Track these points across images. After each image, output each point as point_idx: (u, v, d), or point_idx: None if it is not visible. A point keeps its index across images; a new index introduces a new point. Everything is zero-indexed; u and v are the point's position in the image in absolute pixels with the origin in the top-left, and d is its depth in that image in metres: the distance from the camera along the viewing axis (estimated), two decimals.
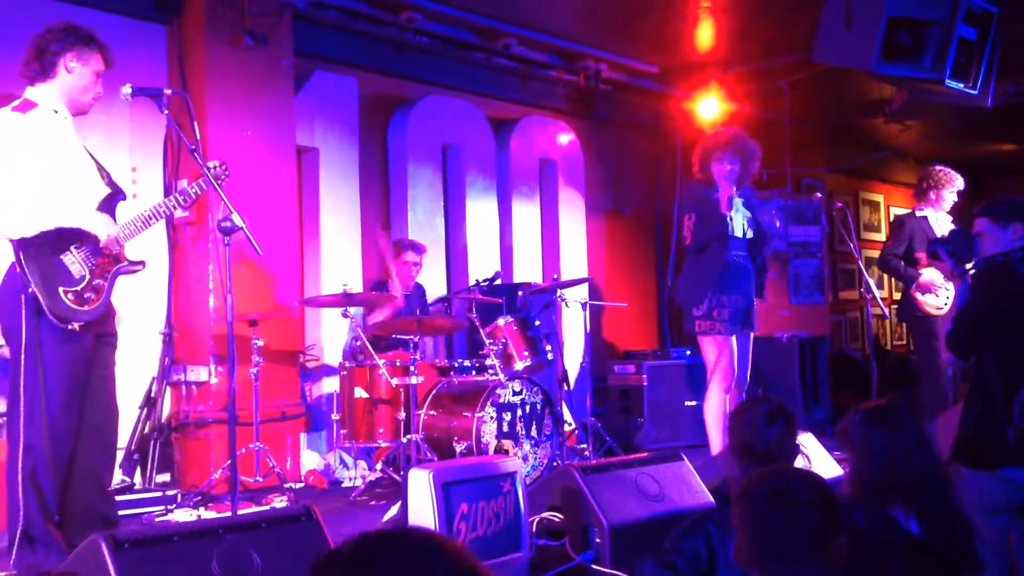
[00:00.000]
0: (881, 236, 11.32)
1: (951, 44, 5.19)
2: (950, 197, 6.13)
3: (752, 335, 5.25)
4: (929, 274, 5.83)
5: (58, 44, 3.48)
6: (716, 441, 5.03)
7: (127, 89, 3.62)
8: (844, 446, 2.58)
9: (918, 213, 6.18)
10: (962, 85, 5.42)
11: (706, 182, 5.12)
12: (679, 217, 8.84)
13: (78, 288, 3.37)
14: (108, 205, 3.63)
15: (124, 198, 3.73)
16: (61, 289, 3.33)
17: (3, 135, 3.37)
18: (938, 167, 6.23)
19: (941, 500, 2.39)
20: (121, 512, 4.56)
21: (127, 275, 3.69)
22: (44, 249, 3.34)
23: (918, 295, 5.92)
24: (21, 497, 3.26)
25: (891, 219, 11.44)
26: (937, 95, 5.65)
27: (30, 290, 3.26)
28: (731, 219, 5.03)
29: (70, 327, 3.32)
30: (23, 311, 3.27)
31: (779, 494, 1.79)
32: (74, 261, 3.41)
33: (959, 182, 6.16)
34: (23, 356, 3.28)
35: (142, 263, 3.70)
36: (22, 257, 3.29)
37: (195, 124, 3.72)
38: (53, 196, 3.41)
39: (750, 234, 5.14)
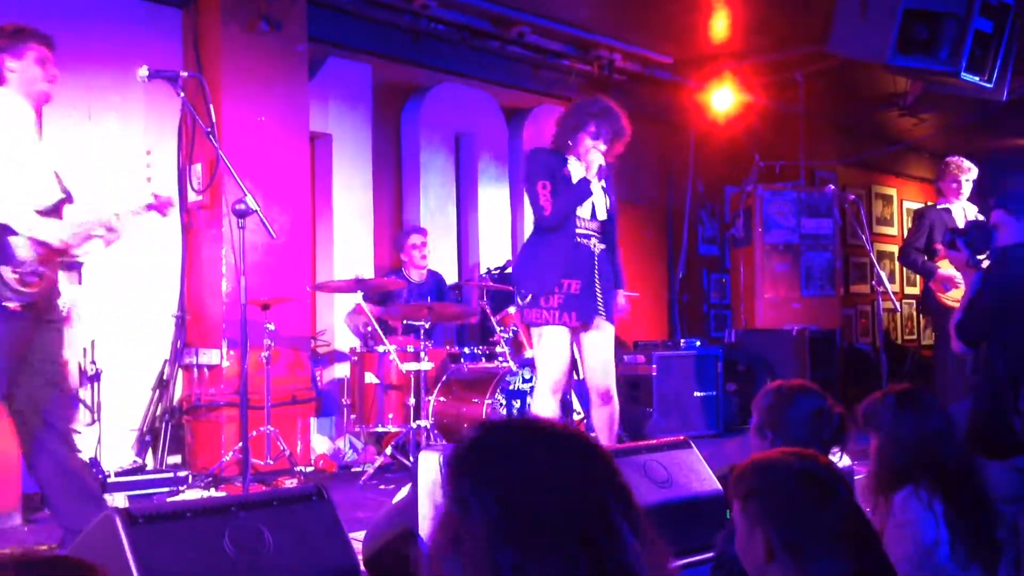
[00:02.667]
0: (894, 230, 11.28)
1: (967, 37, 5.16)
2: (967, 185, 6.16)
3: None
4: (947, 268, 5.83)
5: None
6: None
7: (144, 71, 3.64)
8: (867, 428, 2.55)
9: (939, 206, 6.21)
10: (978, 78, 5.39)
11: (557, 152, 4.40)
12: (691, 209, 8.88)
13: (22, 271, 3.40)
14: (56, 207, 3.63)
15: (72, 202, 3.72)
16: (7, 268, 3.36)
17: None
18: (951, 158, 6.28)
19: (970, 486, 2.38)
20: (132, 492, 4.62)
21: (68, 270, 3.69)
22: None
23: (939, 290, 5.93)
24: None
25: (904, 213, 11.40)
26: (952, 88, 5.63)
27: None
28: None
29: (5, 304, 3.36)
30: None
31: (811, 475, 1.70)
32: (21, 245, 3.44)
33: (973, 170, 6.19)
34: None
35: (82, 261, 3.73)
36: None
37: (210, 107, 3.74)
38: (15, 192, 3.42)
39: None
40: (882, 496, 2.40)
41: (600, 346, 4.35)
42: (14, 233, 3.39)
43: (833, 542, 1.64)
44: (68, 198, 3.64)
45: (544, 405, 4.27)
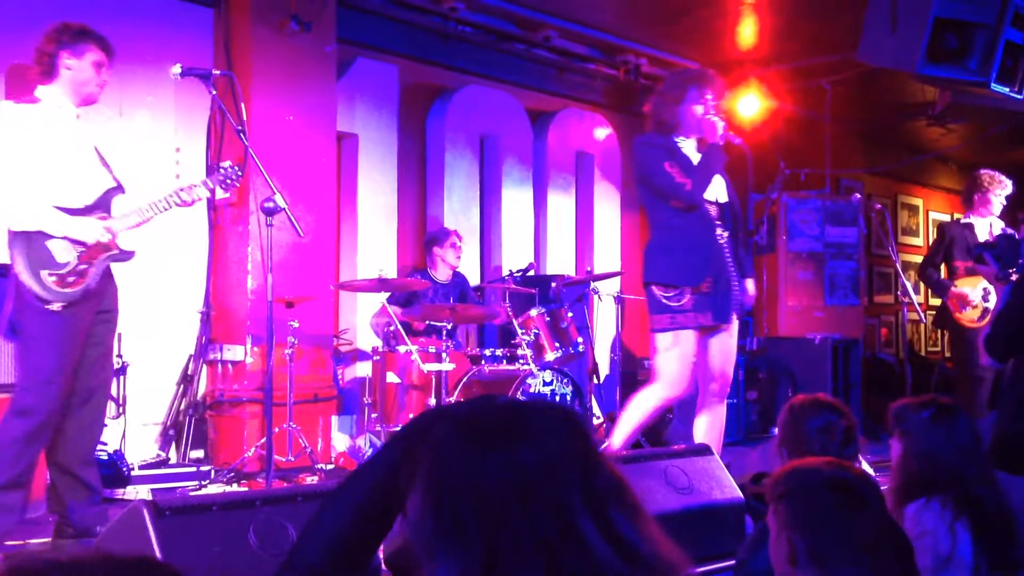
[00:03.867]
0: (919, 240, 11.20)
1: (998, 47, 5.12)
2: (997, 201, 5.98)
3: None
4: (963, 286, 5.78)
5: (52, 45, 3.57)
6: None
7: (176, 69, 3.70)
8: (895, 431, 2.52)
9: (963, 220, 6.08)
10: (1008, 89, 5.35)
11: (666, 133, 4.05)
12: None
13: (62, 272, 3.47)
14: (106, 198, 3.71)
15: (123, 192, 3.80)
16: (45, 272, 3.45)
17: (8, 127, 3.47)
18: (983, 171, 6.07)
19: (992, 502, 2.34)
20: (156, 485, 4.68)
21: (119, 262, 3.77)
22: (34, 235, 3.47)
23: (955, 309, 5.88)
24: None
25: (930, 223, 11.32)
26: (982, 99, 5.59)
27: (13, 273, 3.44)
28: None
29: (49, 307, 3.44)
30: (15, 294, 3.48)
31: (841, 484, 1.69)
32: (61, 247, 3.51)
33: (1007, 185, 5.97)
34: (20, 340, 3.51)
35: (132, 252, 3.79)
36: (12, 243, 3.46)
37: (241, 105, 3.78)
38: (53, 190, 3.51)
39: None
40: (898, 507, 2.39)
41: (726, 345, 4.08)
42: (50, 237, 3.47)
43: (858, 553, 1.63)
44: (118, 188, 3.73)
45: (653, 405, 3.99)
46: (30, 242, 3.45)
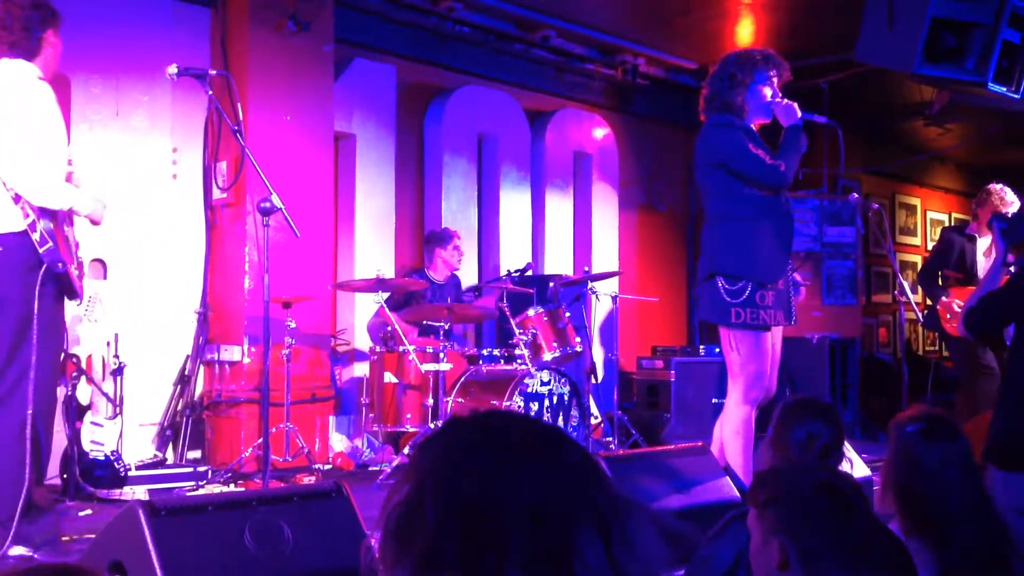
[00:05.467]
0: (917, 240, 11.21)
1: (995, 47, 5.12)
2: None
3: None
4: (954, 297, 5.78)
5: (38, 23, 3.36)
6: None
7: (173, 68, 3.69)
8: (891, 441, 2.39)
9: (967, 231, 6.00)
10: (1005, 89, 5.35)
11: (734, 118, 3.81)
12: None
13: (75, 263, 3.44)
14: None
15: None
16: (72, 266, 3.41)
17: (46, 104, 3.31)
18: (992, 186, 5.82)
19: (978, 526, 2.11)
20: (153, 486, 4.67)
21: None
22: (59, 221, 3.35)
23: (943, 315, 5.87)
24: (29, 462, 3.22)
25: (928, 223, 11.33)
26: (979, 98, 5.59)
27: (59, 266, 3.26)
28: None
29: (74, 301, 3.42)
30: (39, 285, 3.23)
31: (829, 489, 1.67)
32: (71, 237, 3.47)
33: (1015, 204, 5.71)
34: (34, 326, 3.23)
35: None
36: (43, 228, 3.25)
37: (238, 106, 3.78)
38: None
39: None
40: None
41: (777, 348, 3.88)
42: (68, 225, 3.46)
43: (849, 555, 1.63)
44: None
45: (745, 418, 3.73)
46: (58, 231, 3.31)
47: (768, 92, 3.80)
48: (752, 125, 3.87)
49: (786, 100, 3.79)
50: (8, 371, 3.27)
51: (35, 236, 3.24)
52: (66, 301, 3.48)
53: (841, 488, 1.69)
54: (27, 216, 3.24)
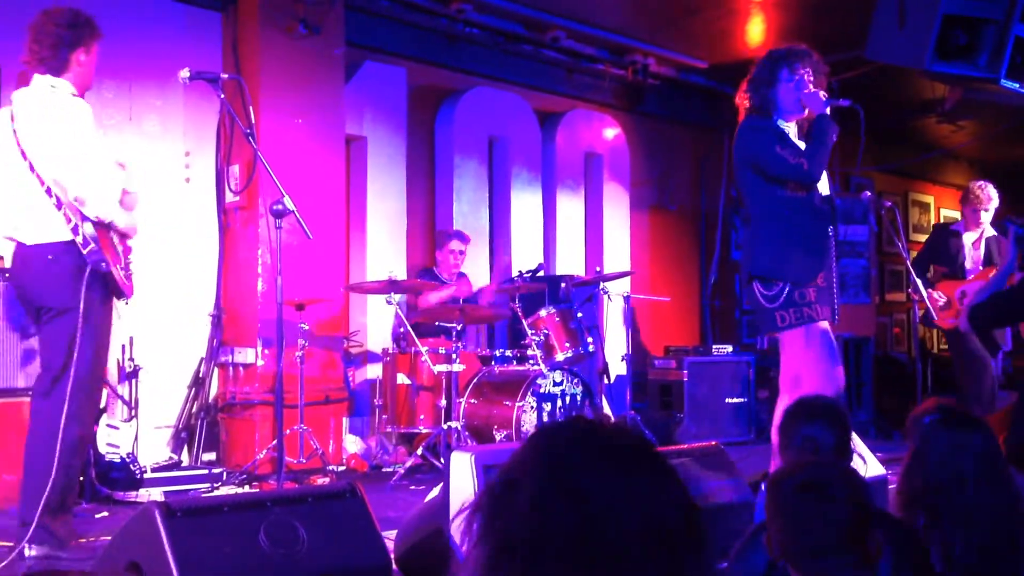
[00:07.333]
0: None
1: (1007, 43, 5.10)
2: (986, 216, 5.90)
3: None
4: (937, 293, 5.78)
5: (70, 39, 3.40)
6: None
7: (185, 72, 3.71)
8: (909, 437, 2.36)
9: (952, 227, 6.10)
10: (1017, 85, 5.32)
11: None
12: (724, 214, 8.84)
13: (121, 267, 3.48)
14: None
15: None
16: (118, 267, 3.45)
17: (87, 121, 3.39)
18: (973, 183, 6.01)
19: (994, 523, 2.07)
20: (168, 488, 4.70)
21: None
22: (105, 230, 3.43)
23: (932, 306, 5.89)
24: (57, 461, 3.22)
25: (941, 221, 11.27)
26: (991, 95, 5.57)
27: (103, 266, 3.33)
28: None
29: (123, 302, 3.45)
30: (85, 287, 3.30)
31: (811, 487, 1.73)
32: (116, 242, 3.51)
33: (994, 200, 5.88)
34: (84, 330, 3.30)
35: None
36: (86, 232, 3.33)
37: (250, 109, 3.80)
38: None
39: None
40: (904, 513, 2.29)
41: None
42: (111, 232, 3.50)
43: (826, 551, 1.68)
44: None
45: None
46: (106, 238, 3.41)
47: (795, 87, 3.75)
48: (789, 122, 3.84)
49: (812, 90, 3.75)
50: (63, 376, 3.32)
51: (78, 239, 3.32)
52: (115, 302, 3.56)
53: (823, 488, 1.72)
54: (69, 221, 3.31)
